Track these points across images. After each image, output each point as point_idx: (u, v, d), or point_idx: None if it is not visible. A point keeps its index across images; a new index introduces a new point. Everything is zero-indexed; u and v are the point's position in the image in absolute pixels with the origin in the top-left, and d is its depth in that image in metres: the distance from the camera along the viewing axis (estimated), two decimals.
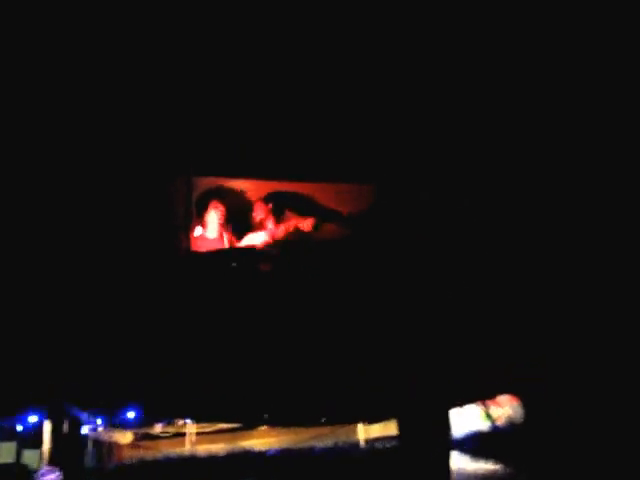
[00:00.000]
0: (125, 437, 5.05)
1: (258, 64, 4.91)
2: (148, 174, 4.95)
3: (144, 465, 4.44)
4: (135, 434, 5.09)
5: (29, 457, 4.81)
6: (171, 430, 5.11)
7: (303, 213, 5.12)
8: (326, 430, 5.09)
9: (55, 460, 4.09)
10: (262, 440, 5.16)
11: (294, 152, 4.99)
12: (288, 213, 5.17)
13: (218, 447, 4.97)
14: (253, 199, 5.23)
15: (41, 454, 4.78)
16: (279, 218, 5.14)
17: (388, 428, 4.98)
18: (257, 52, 4.90)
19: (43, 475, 4.04)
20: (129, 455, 4.99)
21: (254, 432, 5.28)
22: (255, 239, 5.07)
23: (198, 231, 5.16)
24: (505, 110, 4.89)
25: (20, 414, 4.16)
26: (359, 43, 4.89)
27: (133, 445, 5.08)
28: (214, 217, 5.13)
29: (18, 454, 4.82)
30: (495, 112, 4.91)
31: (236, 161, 5.07)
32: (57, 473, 4.03)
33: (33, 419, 4.18)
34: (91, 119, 4.81)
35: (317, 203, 5.20)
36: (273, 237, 5.03)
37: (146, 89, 4.88)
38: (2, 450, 4.82)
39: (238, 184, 5.29)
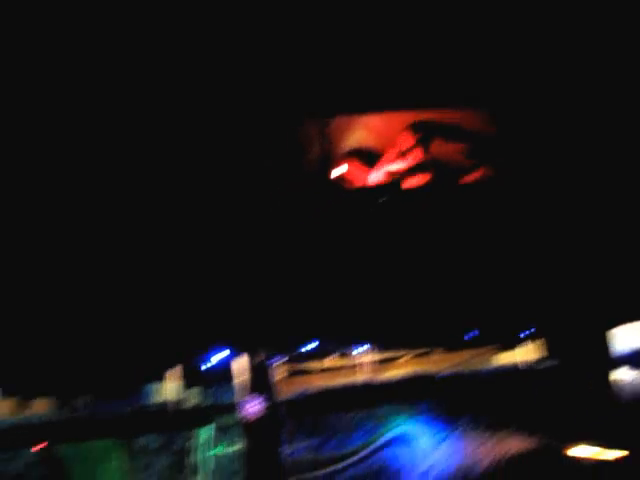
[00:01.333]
0: (279, 373, 5.21)
1: None
2: (278, 119, 4.99)
3: (325, 394, 4.62)
4: (288, 370, 5.25)
5: (192, 394, 4.99)
6: (321, 365, 5.29)
7: (453, 140, 5.15)
8: (465, 357, 5.31)
9: (256, 390, 4.26)
10: (406, 370, 5.38)
11: (429, 80, 5.01)
12: (437, 141, 5.20)
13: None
14: (392, 132, 5.24)
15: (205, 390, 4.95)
16: (427, 147, 5.20)
17: (533, 351, 5.22)
18: None
19: (248, 403, 4.22)
20: (286, 390, 5.15)
21: (395, 364, 5.50)
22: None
23: (338, 171, 5.24)
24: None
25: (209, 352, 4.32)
26: None
27: (286, 381, 5.25)
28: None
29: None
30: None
31: (368, 95, 5.11)
32: (260, 400, 4.23)
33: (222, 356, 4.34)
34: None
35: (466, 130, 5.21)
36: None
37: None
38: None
39: (372, 120, 5.32)
